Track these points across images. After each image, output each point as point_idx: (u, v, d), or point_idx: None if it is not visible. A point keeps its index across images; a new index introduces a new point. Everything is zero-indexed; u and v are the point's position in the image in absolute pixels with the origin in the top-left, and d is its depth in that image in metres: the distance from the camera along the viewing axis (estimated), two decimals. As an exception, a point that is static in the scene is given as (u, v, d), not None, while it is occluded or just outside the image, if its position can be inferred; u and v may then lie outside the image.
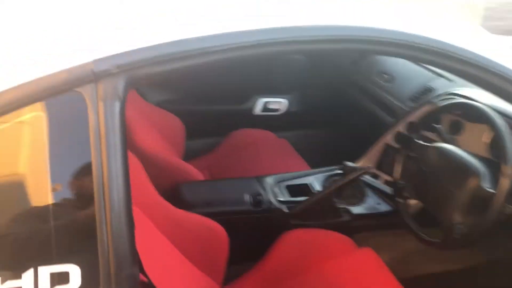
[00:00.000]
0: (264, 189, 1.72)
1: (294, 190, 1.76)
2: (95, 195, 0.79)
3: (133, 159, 1.40)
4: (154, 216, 1.38)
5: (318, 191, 1.75)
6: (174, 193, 1.66)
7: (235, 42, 0.90)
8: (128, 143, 1.60)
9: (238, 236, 1.54)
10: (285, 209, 1.67)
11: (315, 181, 1.81)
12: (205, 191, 1.68)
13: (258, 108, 2.37)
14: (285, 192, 1.74)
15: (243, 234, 1.62)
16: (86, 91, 0.78)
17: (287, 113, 2.44)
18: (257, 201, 1.66)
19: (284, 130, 2.41)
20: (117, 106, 0.81)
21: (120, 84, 0.80)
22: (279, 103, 2.41)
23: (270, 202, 1.67)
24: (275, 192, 1.72)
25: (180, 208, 1.55)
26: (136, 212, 1.34)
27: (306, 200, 1.70)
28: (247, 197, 1.67)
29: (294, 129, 2.47)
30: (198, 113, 2.30)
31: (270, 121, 2.40)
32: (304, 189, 1.77)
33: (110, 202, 0.80)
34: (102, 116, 0.79)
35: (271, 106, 2.40)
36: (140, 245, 1.26)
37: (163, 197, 1.60)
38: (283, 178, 1.80)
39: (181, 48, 0.85)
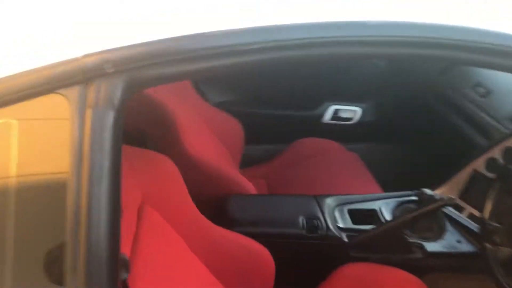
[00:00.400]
0: (322, 211, 1.49)
1: (358, 216, 1.51)
2: (68, 235, 0.61)
3: (169, 166, 1.24)
4: (188, 234, 1.22)
5: (387, 220, 1.49)
6: (220, 206, 1.48)
7: (285, 39, 0.69)
8: (173, 146, 1.46)
9: (286, 264, 1.34)
10: (344, 238, 1.43)
11: (385, 208, 1.54)
12: (253, 207, 1.48)
13: (327, 116, 2.13)
14: (347, 217, 1.50)
15: (292, 261, 1.42)
16: (72, 95, 0.60)
17: (360, 123, 2.18)
18: (312, 226, 1.43)
19: (355, 142, 2.16)
20: (109, 116, 0.62)
21: (116, 87, 0.61)
22: (352, 112, 2.15)
23: (328, 228, 1.44)
24: (334, 217, 1.49)
25: (225, 224, 1.37)
26: (167, 229, 1.18)
27: (372, 229, 1.45)
28: (301, 220, 1.45)
29: (366, 141, 2.20)
30: (261, 117, 2.10)
31: (340, 131, 2.15)
32: (370, 216, 1.52)
33: (86, 243, 0.61)
34: (88, 128, 0.61)
35: (343, 115, 2.14)
36: (166, 270, 1.09)
37: (207, 211, 1.44)
38: (347, 200, 1.56)
39: (206, 44, 0.65)
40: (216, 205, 1.49)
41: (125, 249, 1.00)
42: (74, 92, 0.61)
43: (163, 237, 1.13)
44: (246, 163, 2.01)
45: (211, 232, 1.28)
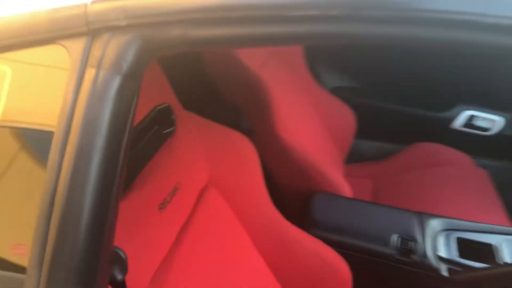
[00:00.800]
0: (422, 233, 1.24)
1: (468, 248, 1.23)
2: (38, 218, 0.49)
3: (247, 148, 1.10)
4: (254, 228, 1.08)
5: (506, 262, 1.19)
6: (303, 203, 1.31)
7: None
8: (265, 126, 1.32)
9: (365, 284, 1.14)
10: (444, 271, 1.18)
11: (506, 245, 1.24)
12: (339, 211, 1.29)
13: (459, 121, 1.80)
14: (453, 247, 1.23)
15: (373, 284, 1.21)
16: (74, 48, 0.48)
17: (499, 136, 1.81)
18: (406, 248, 1.20)
19: (488, 157, 1.82)
20: (114, 82, 0.48)
21: (128, 46, 0.48)
22: (492, 121, 1.79)
23: (425, 255, 1.19)
24: (437, 243, 1.23)
25: (304, 224, 1.22)
26: (229, 218, 1.05)
27: (483, 268, 1.17)
28: (394, 238, 1.22)
29: (503, 158, 1.84)
30: (378, 110, 1.86)
31: (471, 141, 1.82)
32: (483, 251, 1.23)
33: (57, 233, 0.48)
34: (84, 93, 0.48)
35: (479, 123, 1.80)
36: (216, 263, 0.97)
37: (289, 205, 1.29)
38: (457, 225, 1.28)
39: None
40: (300, 200, 1.33)
41: (173, 229, 0.90)
42: (76, 45, 0.49)
43: (222, 225, 1.01)
44: (353, 158, 1.81)
45: (283, 231, 1.13)
